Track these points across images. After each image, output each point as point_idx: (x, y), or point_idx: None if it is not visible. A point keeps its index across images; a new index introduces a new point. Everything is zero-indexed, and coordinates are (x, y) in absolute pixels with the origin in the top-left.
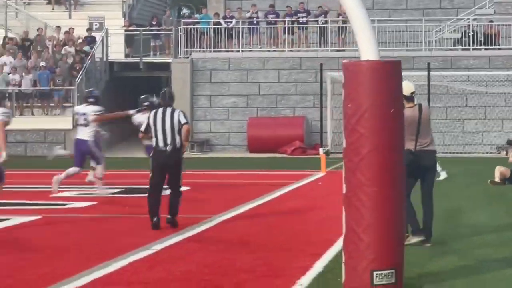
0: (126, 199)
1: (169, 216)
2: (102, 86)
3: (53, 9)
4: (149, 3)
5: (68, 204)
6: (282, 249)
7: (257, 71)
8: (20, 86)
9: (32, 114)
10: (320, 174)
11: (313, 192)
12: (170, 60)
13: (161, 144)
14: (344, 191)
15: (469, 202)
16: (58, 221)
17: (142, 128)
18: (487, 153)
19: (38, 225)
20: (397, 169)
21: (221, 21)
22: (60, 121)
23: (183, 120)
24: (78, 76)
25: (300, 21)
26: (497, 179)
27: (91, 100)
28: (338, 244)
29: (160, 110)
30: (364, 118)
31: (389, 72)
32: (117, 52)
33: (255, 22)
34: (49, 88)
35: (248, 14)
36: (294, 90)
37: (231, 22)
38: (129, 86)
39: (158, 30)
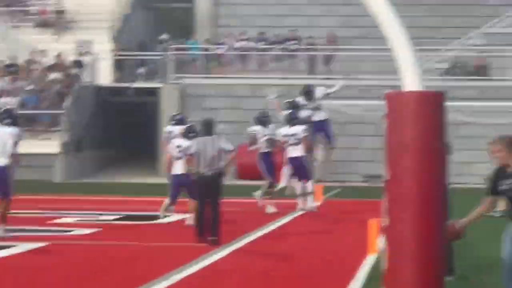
0: (129, 226)
1: (210, 238)
2: (90, 111)
3: (40, 32)
4: (137, 28)
5: (72, 230)
6: (305, 282)
7: (247, 98)
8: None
9: None
10: (317, 203)
11: (314, 220)
12: (159, 86)
13: (203, 169)
14: (384, 223)
15: (475, 233)
16: (66, 249)
17: (192, 151)
18: (475, 184)
19: (48, 253)
20: (439, 202)
21: (212, 47)
22: (47, 146)
23: (228, 148)
24: (67, 101)
25: (290, 48)
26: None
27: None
28: (360, 274)
29: (203, 137)
30: (408, 151)
31: (433, 103)
32: (105, 76)
33: (245, 49)
34: (36, 112)
35: (238, 44)
36: None
37: (222, 48)
38: (117, 111)
39: (147, 55)
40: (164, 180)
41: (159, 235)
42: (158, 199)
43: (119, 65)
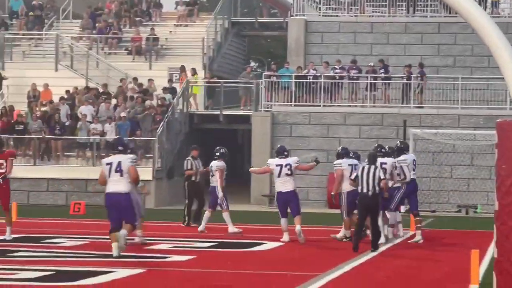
0: (223, 253)
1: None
2: (182, 138)
3: (133, 59)
4: (229, 55)
5: (168, 257)
6: None
7: (338, 126)
8: (101, 135)
9: None
10: (410, 233)
11: (409, 251)
12: (250, 113)
13: (365, 190)
14: (495, 255)
15: None
16: (166, 275)
17: (353, 177)
18: None
19: (147, 279)
20: None
21: (305, 74)
22: (140, 172)
23: (382, 176)
24: (159, 128)
25: (383, 77)
26: None
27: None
28: None
29: (366, 166)
30: None
31: None
32: (197, 103)
33: (337, 77)
34: (129, 138)
35: (329, 72)
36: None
37: (313, 76)
38: (208, 138)
39: (239, 82)
40: (254, 208)
41: (256, 262)
42: (250, 226)
43: (211, 93)
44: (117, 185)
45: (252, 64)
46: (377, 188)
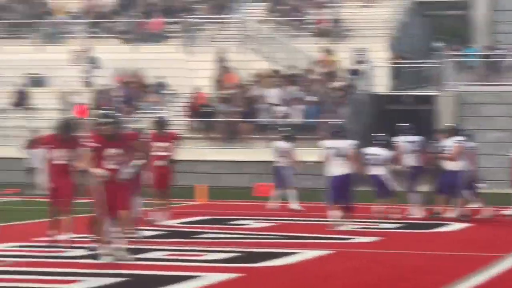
0: (410, 234)
1: None
2: (367, 119)
3: (318, 41)
4: (413, 35)
5: (353, 238)
6: None
7: None
8: (286, 118)
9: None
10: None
11: None
12: (435, 94)
13: None
14: None
15: None
16: (355, 256)
17: None
18: None
19: (333, 260)
20: None
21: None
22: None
23: None
24: (344, 109)
25: None
26: None
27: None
28: None
29: None
30: None
31: None
32: (381, 85)
33: None
34: (316, 121)
35: None
36: None
37: (501, 55)
38: (393, 120)
39: (423, 63)
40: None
41: (445, 244)
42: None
43: (396, 73)
44: (340, 167)
45: (439, 44)
46: None
